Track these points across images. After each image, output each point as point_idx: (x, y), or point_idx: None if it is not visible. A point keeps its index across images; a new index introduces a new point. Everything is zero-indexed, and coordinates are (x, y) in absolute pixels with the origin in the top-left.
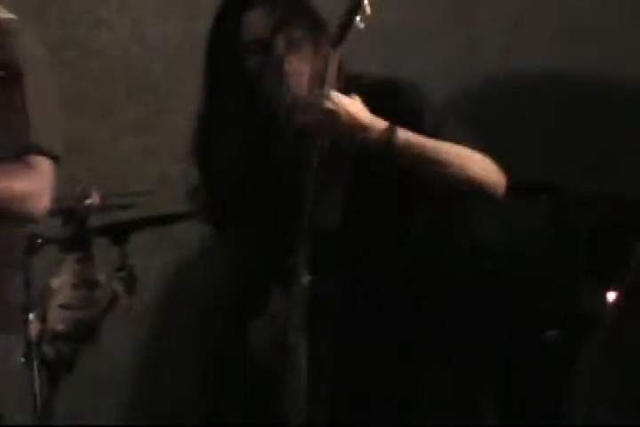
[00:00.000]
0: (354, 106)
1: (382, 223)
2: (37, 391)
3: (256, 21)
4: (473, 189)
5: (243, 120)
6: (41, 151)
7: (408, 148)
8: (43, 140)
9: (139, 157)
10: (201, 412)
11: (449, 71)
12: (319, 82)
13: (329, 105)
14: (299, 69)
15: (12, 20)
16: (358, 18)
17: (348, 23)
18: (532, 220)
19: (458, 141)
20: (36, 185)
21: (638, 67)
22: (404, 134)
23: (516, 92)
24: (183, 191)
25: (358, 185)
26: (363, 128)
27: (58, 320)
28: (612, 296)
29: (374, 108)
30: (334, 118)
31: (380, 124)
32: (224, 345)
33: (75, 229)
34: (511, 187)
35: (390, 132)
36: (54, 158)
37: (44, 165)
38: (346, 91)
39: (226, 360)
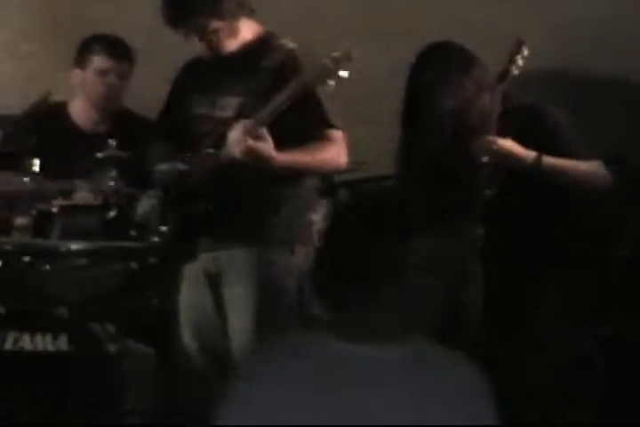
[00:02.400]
0: (510, 144)
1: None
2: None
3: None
4: (593, 189)
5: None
6: (330, 126)
7: (551, 170)
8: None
9: (368, 142)
10: None
11: None
12: (489, 112)
13: (493, 148)
14: (465, 101)
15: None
16: (519, 58)
17: (509, 65)
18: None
19: (582, 153)
20: (334, 152)
21: None
22: (547, 161)
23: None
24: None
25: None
26: (518, 159)
27: (317, 240)
28: None
29: (519, 126)
30: (497, 156)
31: (530, 154)
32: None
33: (326, 183)
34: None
35: (538, 160)
36: (339, 128)
37: (335, 135)
38: (502, 112)
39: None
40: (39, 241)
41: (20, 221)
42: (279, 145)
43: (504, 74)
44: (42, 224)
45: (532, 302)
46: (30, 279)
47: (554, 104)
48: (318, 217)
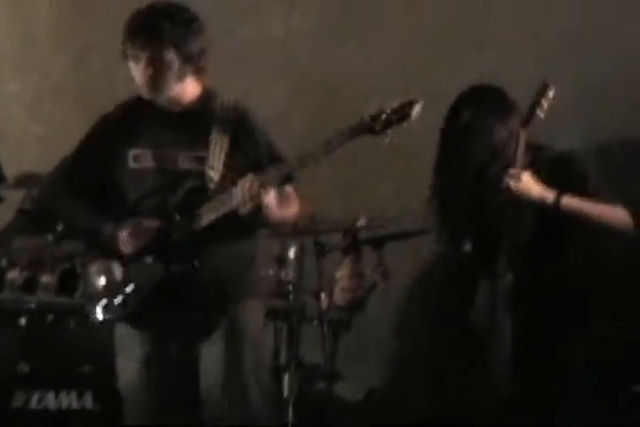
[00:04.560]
0: (531, 179)
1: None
2: (327, 341)
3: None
4: (614, 230)
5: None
6: None
7: (570, 209)
8: None
9: (392, 197)
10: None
11: None
12: (512, 156)
13: (516, 182)
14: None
15: None
16: (543, 102)
17: (535, 108)
18: None
19: (607, 199)
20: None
21: None
22: (567, 201)
23: None
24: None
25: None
26: (538, 194)
27: (340, 298)
28: None
29: (551, 173)
30: (519, 190)
31: (549, 194)
32: (448, 317)
33: (350, 240)
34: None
35: (557, 199)
36: None
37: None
38: (529, 158)
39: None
40: (63, 299)
41: (44, 279)
42: None
43: (529, 117)
44: (66, 282)
45: (564, 357)
46: (55, 337)
47: (583, 153)
48: (342, 274)
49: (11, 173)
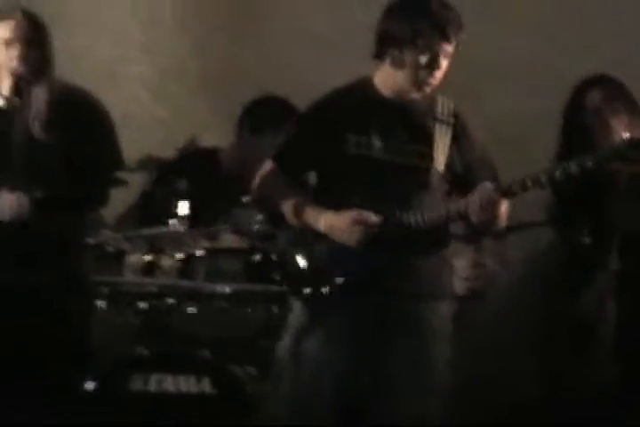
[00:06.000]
0: None
1: None
2: None
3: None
4: None
5: None
6: None
7: None
8: None
9: None
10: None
11: None
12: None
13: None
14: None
15: None
16: None
17: None
18: None
19: None
20: None
21: None
22: None
23: None
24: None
25: None
26: None
27: (459, 287)
28: None
29: None
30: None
31: None
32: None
33: (472, 230)
34: None
35: None
36: None
37: None
38: None
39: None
40: (184, 283)
41: (165, 262)
42: None
43: None
44: (187, 266)
45: None
46: (174, 321)
47: None
48: (462, 264)
49: (133, 155)
